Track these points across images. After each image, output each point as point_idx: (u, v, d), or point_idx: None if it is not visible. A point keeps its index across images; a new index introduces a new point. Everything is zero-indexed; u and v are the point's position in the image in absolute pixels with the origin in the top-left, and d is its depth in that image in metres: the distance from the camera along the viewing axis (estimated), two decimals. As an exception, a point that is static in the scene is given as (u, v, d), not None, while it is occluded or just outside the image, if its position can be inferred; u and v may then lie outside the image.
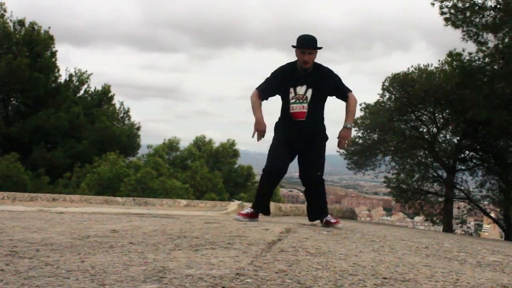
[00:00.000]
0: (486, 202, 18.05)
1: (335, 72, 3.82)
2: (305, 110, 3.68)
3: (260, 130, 3.73)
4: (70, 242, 2.18)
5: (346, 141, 3.80)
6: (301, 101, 3.69)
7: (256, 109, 3.77)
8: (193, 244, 2.23)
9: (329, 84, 3.76)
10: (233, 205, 7.75)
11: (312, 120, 3.73)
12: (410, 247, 2.86)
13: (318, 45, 3.71)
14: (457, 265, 2.31)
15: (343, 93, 3.80)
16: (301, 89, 3.69)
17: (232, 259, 1.86)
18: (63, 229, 2.67)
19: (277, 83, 3.79)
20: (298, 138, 3.75)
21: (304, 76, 3.70)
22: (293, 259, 1.96)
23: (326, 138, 3.89)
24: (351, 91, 3.84)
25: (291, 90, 3.71)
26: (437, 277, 1.89)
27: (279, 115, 3.91)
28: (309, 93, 3.69)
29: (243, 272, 1.62)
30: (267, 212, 3.88)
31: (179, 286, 1.38)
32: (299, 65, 3.72)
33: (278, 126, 3.87)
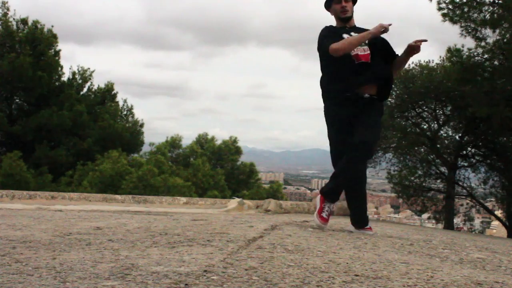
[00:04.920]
0: (491, 199, 17.89)
1: None
2: (368, 52, 3.12)
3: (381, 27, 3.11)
4: (49, 239, 2.20)
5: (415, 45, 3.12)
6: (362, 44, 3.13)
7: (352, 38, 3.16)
8: (171, 241, 2.23)
9: (380, 39, 3.19)
10: (233, 202, 7.75)
11: (380, 68, 3.16)
12: (394, 244, 2.85)
13: None
14: (437, 262, 2.30)
15: (393, 52, 3.27)
16: (354, 34, 3.17)
17: (205, 256, 1.87)
18: (47, 226, 2.69)
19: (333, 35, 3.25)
20: (359, 91, 3.11)
21: (350, 29, 3.24)
22: (267, 256, 1.96)
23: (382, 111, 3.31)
24: None
25: (345, 35, 3.18)
26: (411, 274, 1.88)
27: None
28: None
29: (211, 269, 1.63)
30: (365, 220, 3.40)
31: (141, 283, 1.38)
32: (338, 19, 3.28)
33: (328, 109, 3.28)
